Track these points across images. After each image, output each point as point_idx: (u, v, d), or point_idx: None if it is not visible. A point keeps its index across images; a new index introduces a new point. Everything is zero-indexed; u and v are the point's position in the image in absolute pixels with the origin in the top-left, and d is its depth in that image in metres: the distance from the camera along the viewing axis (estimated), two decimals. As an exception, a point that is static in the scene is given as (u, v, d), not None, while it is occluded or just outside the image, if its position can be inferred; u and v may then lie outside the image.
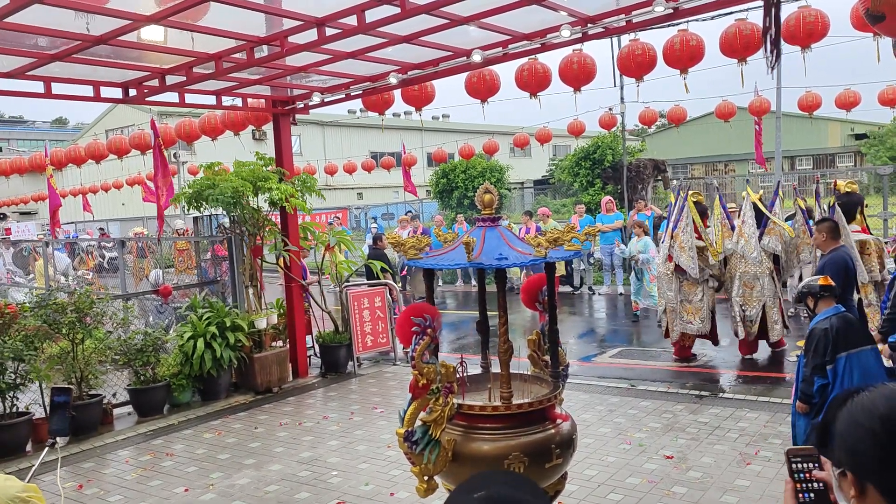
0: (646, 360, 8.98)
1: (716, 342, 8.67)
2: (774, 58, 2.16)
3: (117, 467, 6.10)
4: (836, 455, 1.32)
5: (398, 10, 5.26)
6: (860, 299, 7.39)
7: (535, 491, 1.18)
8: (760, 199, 8.80)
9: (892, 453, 1.23)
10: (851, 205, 8.18)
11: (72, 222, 31.61)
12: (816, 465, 1.40)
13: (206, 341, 7.68)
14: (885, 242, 6.97)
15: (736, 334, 8.41)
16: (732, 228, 8.47)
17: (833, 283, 4.64)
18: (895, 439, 1.23)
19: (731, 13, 7.19)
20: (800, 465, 1.43)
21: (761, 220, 8.28)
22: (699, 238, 8.31)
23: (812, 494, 1.40)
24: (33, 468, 2.74)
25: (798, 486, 1.42)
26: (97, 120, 38.28)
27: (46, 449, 2.88)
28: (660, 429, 6.19)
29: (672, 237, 8.29)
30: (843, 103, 14.05)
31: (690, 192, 8.47)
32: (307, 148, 35.46)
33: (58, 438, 2.88)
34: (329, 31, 5.86)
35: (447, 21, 5.95)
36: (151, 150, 9.22)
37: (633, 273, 11.37)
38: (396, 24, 5.69)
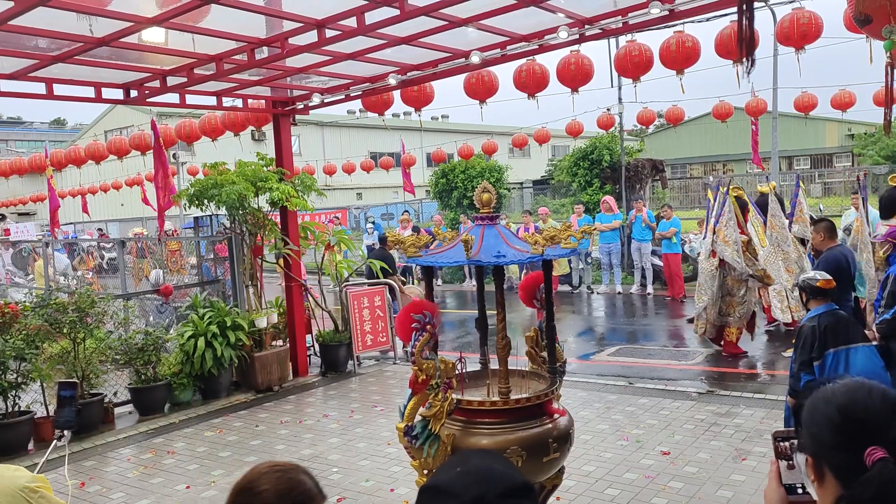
0: (644, 359, 9.05)
1: (753, 334, 8.92)
2: (749, 65, 2.22)
3: (119, 465, 6.16)
4: (801, 440, 1.44)
5: (398, 11, 5.33)
6: (857, 298, 7.46)
7: (512, 468, 1.25)
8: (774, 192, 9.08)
9: (846, 439, 1.32)
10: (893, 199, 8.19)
11: (71, 223, 31.69)
12: (792, 442, 1.54)
13: (206, 340, 7.73)
14: (874, 242, 7.02)
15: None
16: (765, 223, 8.84)
17: (833, 286, 4.65)
18: (849, 426, 1.33)
19: (725, 15, 7.27)
20: (786, 447, 1.55)
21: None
22: (742, 233, 8.43)
23: (796, 481, 1.52)
24: (42, 461, 2.80)
25: (779, 457, 1.56)
26: (96, 120, 38.32)
27: (55, 442, 2.94)
28: (657, 425, 6.26)
29: (714, 232, 8.40)
30: (838, 104, 14.13)
31: (732, 187, 8.55)
32: (306, 148, 35.52)
33: (65, 432, 2.94)
34: (329, 33, 5.92)
35: (446, 23, 6.01)
36: (151, 151, 9.29)
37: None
38: (396, 26, 5.75)
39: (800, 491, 1.51)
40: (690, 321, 9.86)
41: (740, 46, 2.21)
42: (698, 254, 10.92)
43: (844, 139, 41.32)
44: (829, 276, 4.60)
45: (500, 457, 1.32)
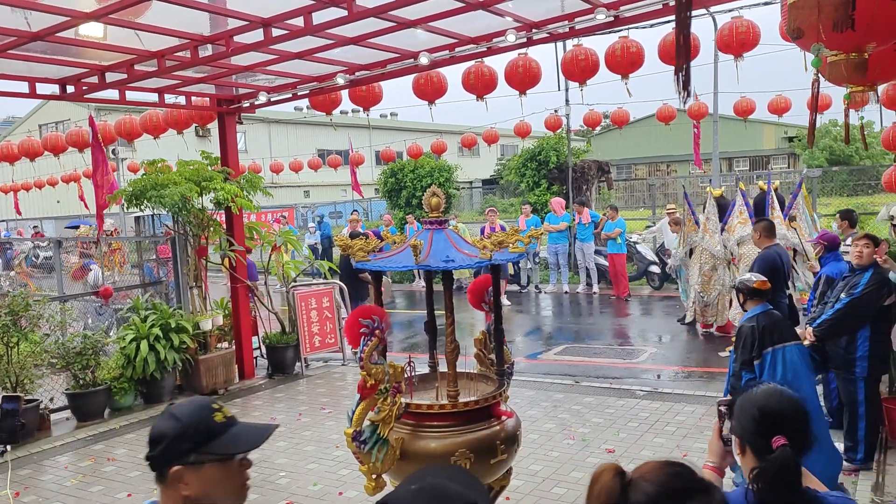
0: (589, 357, 9.22)
1: None
2: (684, 88, 2.31)
3: (56, 473, 5.94)
4: (733, 426, 2.05)
5: (346, 12, 5.29)
6: (790, 295, 7.75)
7: (471, 483, 1.27)
8: (723, 196, 9.43)
9: (761, 429, 1.92)
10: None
11: (3, 220, 30.41)
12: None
13: (149, 343, 7.54)
14: (809, 243, 7.32)
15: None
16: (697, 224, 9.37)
17: (768, 287, 4.82)
18: (765, 421, 1.92)
19: (668, 22, 7.43)
20: (724, 412, 2.17)
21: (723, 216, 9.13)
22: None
23: (727, 439, 2.15)
24: None
25: (721, 422, 2.19)
26: (30, 114, 36.82)
27: None
28: (602, 424, 6.39)
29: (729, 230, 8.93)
30: (775, 108, 14.65)
31: (772, 183, 8.73)
32: (252, 145, 34.90)
33: (7, 447, 2.83)
34: (275, 32, 5.84)
35: (395, 24, 6.00)
36: (90, 148, 8.99)
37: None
38: (344, 27, 5.72)
39: (728, 440, 2.15)
40: (681, 322, 10.46)
41: (678, 59, 2.28)
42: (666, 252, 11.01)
43: (781, 141, 42.91)
44: (764, 278, 4.74)
45: (461, 473, 1.34)
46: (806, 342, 5.36)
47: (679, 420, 6.36)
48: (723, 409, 2.19)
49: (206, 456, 1.63)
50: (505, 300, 12.21)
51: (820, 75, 3.05)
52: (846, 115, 4.27)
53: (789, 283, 7.31)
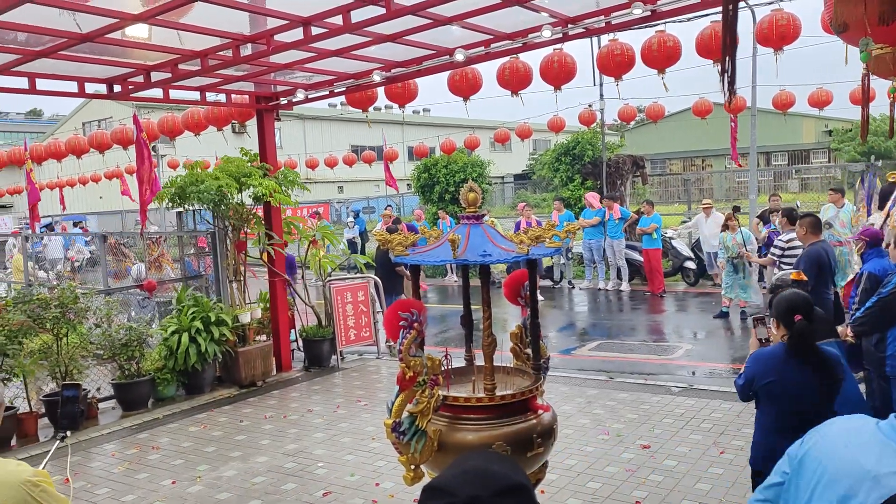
0: (624, 353, 9.19)
1: None
2: (729, 87, 2.31)
3: (103, 461, 6.16)
4: (772, 312, 3.54)
5: (383, 10, 5.36)
6: (836, 292, 7.63)
7: (513, 466, 1.31)
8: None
9: (788, 312, 3.34)
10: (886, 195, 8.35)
11: (48, 216, 31.25)
12: (765, 321, 3.81)
13: (190, 335, 7.73)
14: (850, 240, 7.20)
15: None
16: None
17: (805, 279, 4.83)
18: (790, 308, 3.34)
19: (706, 15, 7.37)
20: (758, 321, 3.79)
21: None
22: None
23: (764, 335, 3.78)
24: (46, 460, 2.83)
25: (756, 331, 3.80)
26: (74, 112, 37.78)
27: (57, 442, 2.97)
28: (637, 419, 6.38)
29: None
30: (815, 102, 14.36)
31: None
32: (288, 142, 35.31)
33: (68, 433, 2.97)
34: (315, 31, 5.94)
35: (431, 21, 6.05)
36: (133, 145, 9.23)
37: (731, 267, 10.69)
38: (381, 24, 5.79)
39: (763, 340, 3.78)
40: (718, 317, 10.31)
41: (724, 51, 2.29)
42: (736, 255, 10.38)
43: (821, 135, 41.91)
44: (799, 270, 4.90)
45: (502, 457, 1.39)
46: (847, 340, 5.30)
47: (715, 417, 6.32)
48: (757, 319, 3.88)
49: None
50: (538, 296, 12.20)
51: (870, 69, 3.03)
52: (891, 109, 4.22)
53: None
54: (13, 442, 6.64)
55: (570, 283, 15.04)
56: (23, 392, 6.99)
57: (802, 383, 3.30)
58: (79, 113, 36.66)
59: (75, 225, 26.12)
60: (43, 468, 2.17)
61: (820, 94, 14.37)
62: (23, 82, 6.97)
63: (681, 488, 4.93)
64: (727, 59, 2.26)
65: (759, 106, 15.69)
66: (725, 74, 2.32)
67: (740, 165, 17.74)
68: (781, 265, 8.01)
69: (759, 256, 10.12)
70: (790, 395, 3.34)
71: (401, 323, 3.50)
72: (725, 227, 10.60)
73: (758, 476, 3.58)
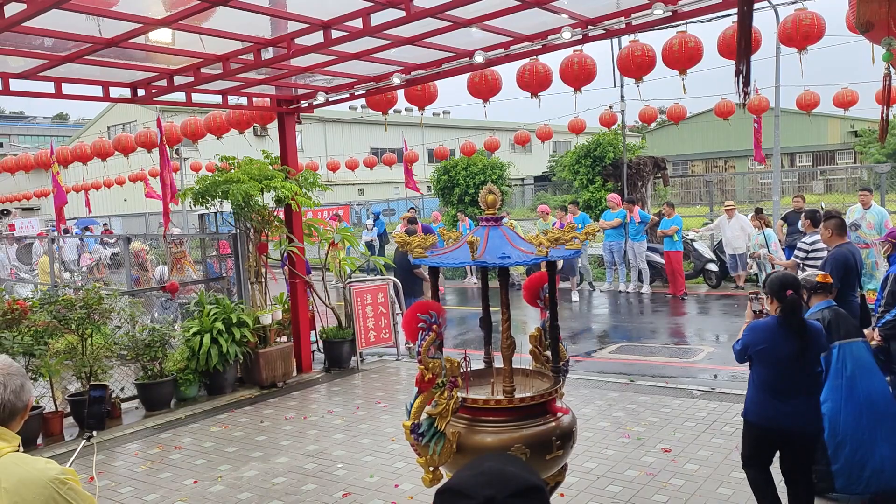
0: (644, 356, 9.12)
1: None
2: (744, 87, 2.29)
3: (127, 460, 6.24)
4: (767, 291, 4.08)
5: (403, 13, 5.38)
6: (862, 295, 7.52)
7: (527, 468, 1.31)
8: None
9: (781, 289, 3.97)
10: None
11: (74, 218, 31.73)
12: (759, 297, 4.41)
13: (212, 337, 7.81)
14: (876, 242, 7.09)
15: None
16: None
17: (830, 281, 4.83)
18: (782, 285, 3.98)
19: (728, 15, 7.31)
20: (753, 297, 4.44)
21: None
22: None
23: (758, 308, 4.36)
24: (73, 458, 2.87)
25: (752, 304, 4.40)
26: (99, 116, 38.37)
27: (83, 442, 3.01)
28: (658, 423, 6.33)
29: None
30: (840, 102, 14.16)
31: None
32: (309, 144, 35.56)
33: (94, 432, 3.02)
34: (335, 34, 5.98)
35: (450, 23, 6.06)
36: (157, 148, 9.35)
37: (756, 267, 10.48)
38: (401, 27, 5.81)
39: (757, 312, 4.33)
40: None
41: (739, 57, 2.27)
42: (755, 253, 10.16)
43: (847, 136, 41.29)
44: (825, 273, 4.95)
45: (516, 459, 1.39)
46: (873, 343, 5.22)
47: (738, 421, 6.22)
48: (752, 296, 4.46)
49: None
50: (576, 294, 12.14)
51: (892, 69, 2.98)
52: (885, 108, 4.11)
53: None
54: (39, 441, 6.74)
55: (590, 284, 14.96)
56: (49, 392, 7.10)
57: (789, 350, 3.92)
58: (104, 117, 37.23)
59: (85, 230, 26.47)
60: (69, 466, 2.19)
61: (845, 94, 14.17)
62: (49, 87, 7.09)
63: (702, 493, 4.88)
64: (742, 56, 2.24)
65: (783, 106, 15.51)
66: (740, 75, 2.29)
67: (765, 163, 17.50)
68: (805, 268, 7.91)
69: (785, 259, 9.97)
70: (778, 359, 3.96)
71: (419, 325, 3.51)
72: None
73: (747, 425, 4.25)
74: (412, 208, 18.11)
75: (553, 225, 13.34)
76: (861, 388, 4.45)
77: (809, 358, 3.96)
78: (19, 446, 2.16)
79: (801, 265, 8.29)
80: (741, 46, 2.21)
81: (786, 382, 3.94)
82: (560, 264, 14.43)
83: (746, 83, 2.27)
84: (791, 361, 3.92)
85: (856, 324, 4.83)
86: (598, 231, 13.78)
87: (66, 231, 20.50)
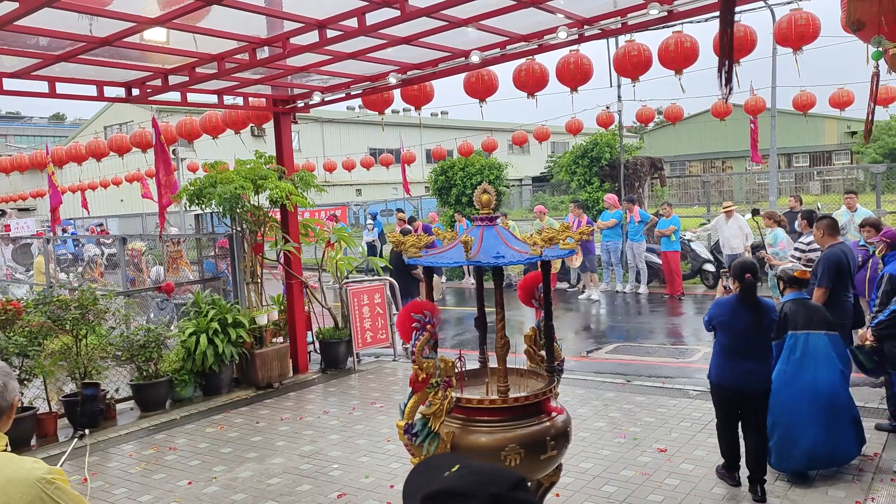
0: (641, 356, 9.11)
1: None
2: (726, 84, 2.29)
3: (121, 461, 6.21)
4: (730, 276, 4.81)
5: (398, 12, 5.36)
6: (856, 295, 7.51)
7: (499, 464, 1.29)
8: None
9: (741, 272, 4.68)
10: None
11: (70, 219, 31.69)
12: (731, 277, 4.83)
13: (208, 337, 7.79)
14: (871, 242, 7.07)
15: None
16: None
17: (806, 277, 5.22)
18: (742, 269, 4.69)
19: (724, 15, 7.29)
20: (726, 274, 5.02)
21: None
22: None
23: (728, 284, 4.92)
24: (64, 457, 2.85)
25: (723, 281, 5.25)
26: (96, 116, 38.32)
27: (76, 440, 3.00)
28: (654, 423, 6.32)
29: None
30: (836, 102, 14.16)
31: None
32: (306, 145, 35.54)
33: (87, 431, 3.00)
34: (330, 33, 5.96)
35: (446, 23, 6.05)
36: (153, 148, 9.33)
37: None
38: (396, 26, 5.79)
39: (726, 288, 5.00)
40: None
41: (721, 56, 2.27)
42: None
43: (844, 136, 41.37)
44: (804, 269, 5.43)
45: (469, 459, 1.36)
46: (867, 343, 5.23)
47: (734, 421, 6.24)
48: (725, 273, 5.00)
49: None
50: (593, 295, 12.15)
51: (882, 67, 2.98)
52: (871, 107, 4.12)
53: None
54: (33, 442, 6.71)
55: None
56: (42, 393, 7.07)
57: (745, 322, 4.67)
58: (101, 117, 37.18)
59: (64, 231, 26.34)
60: (60, 466, 2.18)
61: (841, 94, 14.18)
62: (43, 86, 7.07)
63: (697, 492, 4.87)
64: (725, 55, 2.25)
65: (780, 107, 15.52)
66: (723, 71, 2.30)
67: (763, 162, 17.53)
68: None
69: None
70: (737, 329, 4.71)
71: (413, 325, 3.50)
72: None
73: (711, 385, 4.95)
74: (400, 210, 18.05)
75: (574, 222, 13.19)
76: (808, 374, 4.84)
77: (763, 329, 4.71)
78: (7, 446, 2.14)
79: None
80: (724, 42, 2.20)
81: (742, 349, 4.69)
82: (578, 262, 14.11)
83: (729, 80, 2.27)
84: (747, 331, 4.67)
85: (825, 317, 5.07)
86: (594, 231, 13.78)
87: (63, 231, 20.46)
